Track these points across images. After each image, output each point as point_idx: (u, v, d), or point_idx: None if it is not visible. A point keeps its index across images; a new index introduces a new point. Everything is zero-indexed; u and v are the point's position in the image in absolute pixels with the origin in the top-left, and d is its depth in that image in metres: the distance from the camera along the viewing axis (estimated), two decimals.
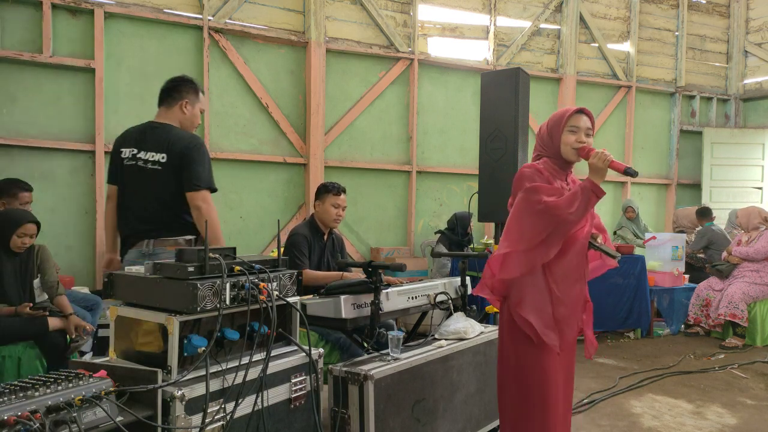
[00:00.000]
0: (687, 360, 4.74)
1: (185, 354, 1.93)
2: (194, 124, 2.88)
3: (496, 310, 3.89)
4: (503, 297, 2.24)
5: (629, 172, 2.09)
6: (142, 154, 2.70)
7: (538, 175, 2.15)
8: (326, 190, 3.46)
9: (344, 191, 3.50)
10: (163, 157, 2.67)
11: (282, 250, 3.21)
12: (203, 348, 1.91)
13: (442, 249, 5.37)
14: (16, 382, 1.64)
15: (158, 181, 2.67)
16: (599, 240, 2.28)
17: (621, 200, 7.49)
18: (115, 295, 2.15)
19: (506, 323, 2.25)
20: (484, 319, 3.68)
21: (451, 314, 2.98)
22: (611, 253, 2.23)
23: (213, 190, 2.74)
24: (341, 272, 3.33)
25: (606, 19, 7.29)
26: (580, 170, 3.66)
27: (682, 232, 6.35)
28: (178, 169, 2.66)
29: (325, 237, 3.51)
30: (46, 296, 3.34)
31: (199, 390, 1.87)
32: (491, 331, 2.97)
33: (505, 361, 2.26)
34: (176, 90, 2.80)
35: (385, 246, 6.07)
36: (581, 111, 2.22)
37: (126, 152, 2.73)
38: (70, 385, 1.68)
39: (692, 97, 7.90)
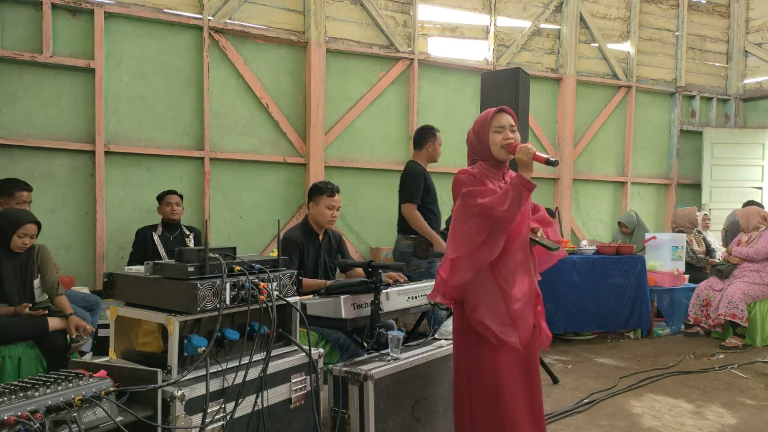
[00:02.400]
0: (687, 360, 4.74)
1: (185, 354, 1.93)
2: (437, 155, 4.55)
3: None
4: (455, 301, 2.29)
5: (550, 163, 2.15)
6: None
7: (472, 179, 2.22)
8: (320, 191, 3.38)
9: (338, 191, 3.43)
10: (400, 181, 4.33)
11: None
12: (203, 348, 1.91)
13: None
14: (16, 382, 1.65)
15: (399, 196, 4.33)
16: (539, 234, 2.32)
17: (621, 200, 7.49)
18: (115, 295, 2.15)
19: (457, 326, 2.31)
20: None
21: (451, 314, 2.98)
22: (550, 246, 2.26)
23: (412, 203, 4.21)
24: (324, 281, 3.20)
25: (606, 19, 7.29)
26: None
27: (681, 232, 6.33)
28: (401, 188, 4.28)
29: (320, 237, 3.46)
30: (46, 296, 3.34)
31: (199, 390, 1.87)
32: None
33: (458, 363, 2.32)
34: (422, 137, 4.47)
35: (385, 246, 6.06)
36: (501, 110, 2.29)
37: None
38: (70, 385, 1.68)
39: (692, 97, 7.89)
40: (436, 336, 2.85)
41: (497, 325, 2.17)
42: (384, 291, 2.71)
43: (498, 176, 2.29)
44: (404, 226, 4.28)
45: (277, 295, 2.14)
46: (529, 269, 2.28)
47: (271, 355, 2.11)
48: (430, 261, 4.21)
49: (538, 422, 2.30)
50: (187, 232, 4.69)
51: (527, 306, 2.23)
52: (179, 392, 1.81)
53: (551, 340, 2.43)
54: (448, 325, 2.87)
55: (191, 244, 4.61)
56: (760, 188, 7.74)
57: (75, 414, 1.59)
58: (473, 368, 2.25)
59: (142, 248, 4.51)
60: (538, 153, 2.14)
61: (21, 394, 1.58)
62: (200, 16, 5.16)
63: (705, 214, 6.98)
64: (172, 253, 4.55)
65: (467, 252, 2.15)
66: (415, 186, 4.22)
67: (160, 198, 4.63)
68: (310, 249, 3.39)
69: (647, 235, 6.02)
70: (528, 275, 2.27)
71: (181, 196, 4.69)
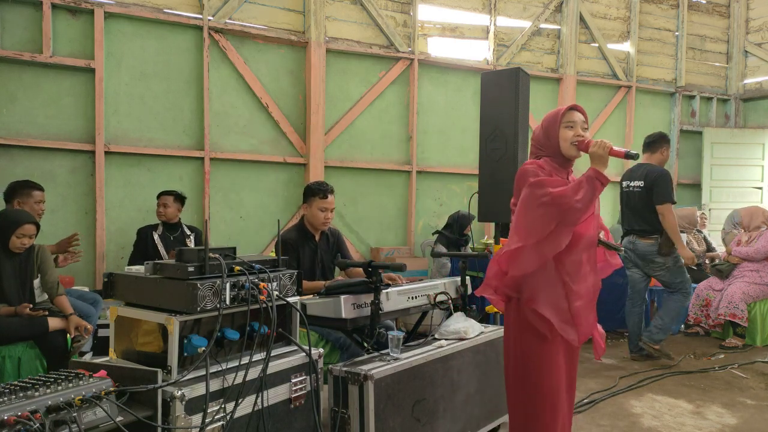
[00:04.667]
0: (687, 360, 4.74)
1: (185, 354, 1.93)
2: (666, 161, 4.65)
3: (496, 310, 3.88)
4: (507, 297, 2.23)
5: (630, 155, 2.12)
6: (631, 183, 4.59)
7: (541, 170, 2.17)
8: (313, 193, 3.33)
9: (332, 192, 3.37)
10: (641, 184, 4.48)
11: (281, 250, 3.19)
12: (203, 348, 1.91)
13: (441, 248, 5.37)
14: (16, 382, 1.65)
15: (636, 198, 4.52)
16: (601, 235, 2.29)
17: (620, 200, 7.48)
18: (115, 295, 2.15)
19: (512, 322, 2.24)
20: (484, 319, 3.68)
21: (451, 314, 2.98)
22: (616, 247, 2.27)
23: (672, 202, 4.38)
24: (324, 282, 3.21)
25: (606, 19, 7.29)
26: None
27: (681, 232, 6.33)
28: (650, 191, 4.40)
29: (317, 238, 3.44)
30: (46, 296, 3.34)
31: (199, 390, 1.87)
32: (491, 331, 2.97)
33: (511, 361, 2.26)
34: (656, 143, 4.63)
35: (385, 246, 6.07)
36: (573, 107, 2.26)
37: (624, 183, 4.69)
38: (70, 385, 1.68)
39: (692, 97, 7.89)
40: (436, 336, 2.84)
41: (558, 321, 2.11)
42: (384, 291, 2.71)
43: (563, 174, 2.24)
44: (644, 228, 4.48)
45: (277, 295, 2.14)
46: (594, 268, 2.25)
47: (271, 355, 2.10)
48: (675, 256, 4.52)
49: (569, 425, 2.31)
50: (188, 232, 4.67)
51: (590, 306, 2.19)
52: (179, 392, 1.81)
53: (604, 351, 2.39)
54: (449, 325, 2.86)
55: (192, 244, 4.60)
56: (760, 188, 7.74)
57: (75, 414, 1.59)
58: (527, 367, 2.20)
59: (142, 248, 4.50)
60: (615, 147, 2.10)
61: (21, 394, 1.58)
62: (200, 16, 5.16)
63: (702, 213, 6.97)
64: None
65: (533, 242, 2.07)
66: (670, 186, 4.43)
67: (157, 197, 4.61)
68: (307, 250, 3.37)
69: None
70: (593, 274, 2.23)
71: (180, 197, 4.63)
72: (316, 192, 3.33)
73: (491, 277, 2.23)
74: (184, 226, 4.68)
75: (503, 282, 2.19)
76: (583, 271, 2.19)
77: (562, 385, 2.20)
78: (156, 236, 4.52)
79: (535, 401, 2.18)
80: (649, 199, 4.42)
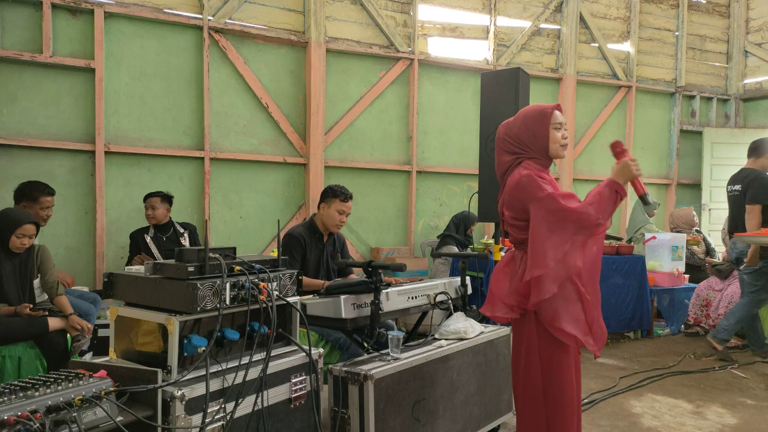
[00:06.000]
0: (687, 360, 4.74)
1: (185, 354, 1.93)
2: None
3: None
4: (523, 311, 2.18)
5: (644, 200, 2.12)
6: (733, 186, 4.81)
7: (542, 180, 2.07)
8: (334, 194, 3.41)
9: (351, 198, 3.46)
10: (740, 187, 4.71)
11: (281, 250, 3.21)
12: (203, 348, 1.91)
13: (453, 248, 5.33)
14: (16, 382, 1.65)
15: (737, 202, 4.73)
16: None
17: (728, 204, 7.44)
18: (115, 295, 2.15)
19: (534, 334, 2.16)
20: (484, 319, 3.68)
21: (451, 314, 2.98)
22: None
23: (763, 204, 4.51)
24: (324, 281, 3.24)
25: (606, 19, 7.29)
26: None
27: (678, 232, 6.33)
28: (746, 193, 4.60)
29: (325, 238, 3.49)
30: (46, 296, 3.34)
31: (199, 390, 1.87)
32: (491, 331, 2.97)
33: (534, 372, 2.17)
34: (762, 148, 4.70)
35: (385, 246, 6.06)
36: (558, 107, 2.19)
37: (728, 188, 4.88)
38: (70, 385, 1.68)
39: (692, 97, 7.89)
40: (436, 336, 2.84)
41: (581, 334, 2.08)
42: (384, 291, 2.71)
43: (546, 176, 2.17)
44: (743, 230, 4.66)
45: (277, 295, 2.14)
46: (598, 278, 2.22)
47: (271, 355, 2.11)
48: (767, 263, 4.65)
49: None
50: (182, 230, 4.59)
51: (599, 313, 2.17)
52: (179, 392, 1.81)
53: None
54: (449, 325, 2.86)
55: (186, 242, 4.56)
56: None
57: (75, 414, 1.59)
58: (546, 377, 2.16)
59: (135, 251, 4.45)
60: (639, 179, 2.09)
61: (21, 394, 1.58)
62: (200, 16, 5.15)
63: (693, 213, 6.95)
64: (168, 252, 4.50)
65: (553, 264, 2.00)
66: (765, 189, 4.57)
67: (144, 200, 4.54)
68: (314, 249, 3.41)
69: (647, 235, 6.02)
70: (597, 284, 2.20)
71: (167, 197, 4.53)
72: (338, 194, 3.41)
73: (508, 294, 2.17)
74: (175, 224, 4.59)
75: (524, 303, 2.13)
76: (595, 278, 2.17)
77: (576, 396, 2.20)
78: (148, 239, 4.44)
79: (563, 410, 2.14)
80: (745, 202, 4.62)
